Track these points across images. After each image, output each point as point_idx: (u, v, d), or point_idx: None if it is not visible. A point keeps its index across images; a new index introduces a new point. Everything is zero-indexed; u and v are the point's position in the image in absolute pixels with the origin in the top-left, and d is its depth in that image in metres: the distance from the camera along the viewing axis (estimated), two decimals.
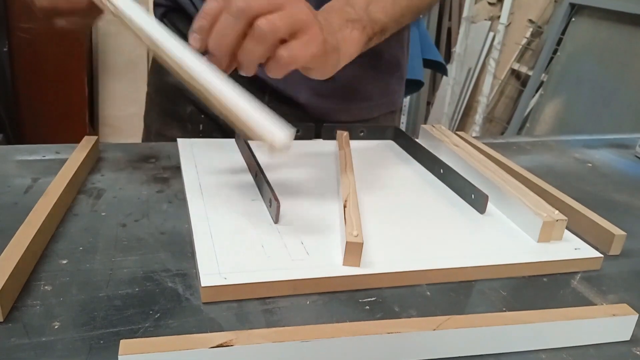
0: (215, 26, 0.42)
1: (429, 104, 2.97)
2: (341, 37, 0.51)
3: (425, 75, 1.79)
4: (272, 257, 0.39)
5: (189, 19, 0.69)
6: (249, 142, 0.55)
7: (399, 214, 0.48)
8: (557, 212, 0.46)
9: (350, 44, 0.53)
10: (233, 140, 0.62)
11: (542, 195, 0.50)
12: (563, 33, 2.22)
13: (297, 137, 0.64)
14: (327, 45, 0.47)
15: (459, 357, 0.33)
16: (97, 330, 0.32)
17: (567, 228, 0.46)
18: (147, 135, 0.80)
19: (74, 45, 2.09)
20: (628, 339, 0.36)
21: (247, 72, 0.46)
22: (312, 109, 0.71)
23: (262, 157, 0.52)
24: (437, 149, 0.62)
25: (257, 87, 0.72)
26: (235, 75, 0.69)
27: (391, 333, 0.31)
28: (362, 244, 0.38)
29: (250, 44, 0.43)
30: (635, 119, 1.89)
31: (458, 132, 0.66)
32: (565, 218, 0.45)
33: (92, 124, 2.34)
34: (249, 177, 0.52)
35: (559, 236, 0.45)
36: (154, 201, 0.48)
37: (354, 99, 0.71)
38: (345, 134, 0.61)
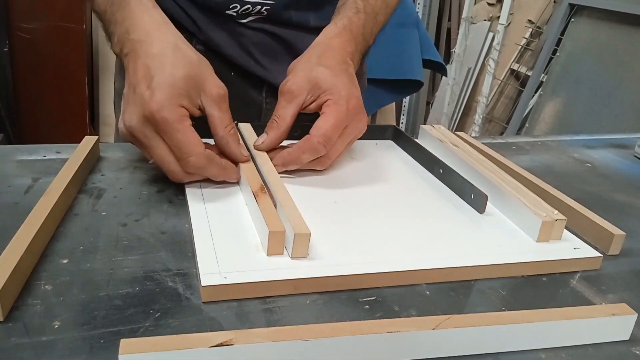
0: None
1: (429, 104, 2.97)
2: (355, 89, 0.54)
3: (424, 75, 1.79)
4: (272, 256, 0.39)
5: (173, 22, 0.68)
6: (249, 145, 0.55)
7: (398, 214, 0.48)
8: (556, 212, 0.46)
9: (354, 79, 0.56)
10: None
11: (541, 195, 0.50)
12: (562, 33, 2.22)
13: (294, 137, 0.64)
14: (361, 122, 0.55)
15: (459, 356, 0.33)
16: (98, 329, 0.32)
17: (566, 228, 0.46)
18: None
19: (74, 45, 2.09)
20: (627, 338, 0.36)
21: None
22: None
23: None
24: (437, 149, 0.62)
25: (254, 83, 0.72)
26: (233, 73, 0.69)
27: (391, 332, 0.31)
28: (284, 232, 0.39)
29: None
30: (635, 119, 1.89)
31: (457, 132, 0.67)
32: (564, 218, 0.45)
33: (92, 124, 2.34)
34: None
35: (558, 236, 0.46)
36: (155, 201, 0.48)
37: None
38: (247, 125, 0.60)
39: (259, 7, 0.65)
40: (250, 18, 0.66)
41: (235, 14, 0.65)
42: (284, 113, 0.53)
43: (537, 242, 0.45)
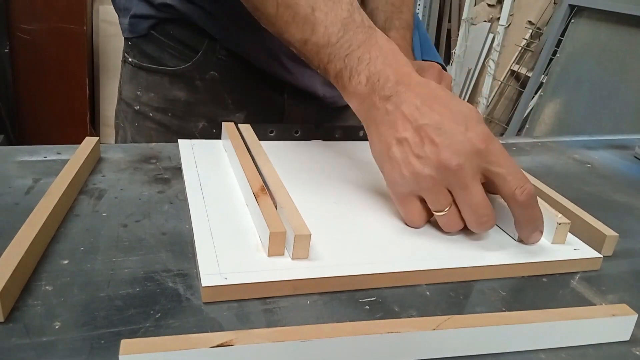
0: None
1: None
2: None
3: None
4: (273, 257, 0.39)
5: (189, 28, 0.67)
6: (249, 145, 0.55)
7: (398, 214, 0.48)
8: (560, 215, 0.46)
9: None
10: None
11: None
12: (562, 34, 2.22)
13: (296, 138, 0.64)
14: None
15: (459, 357, 0.33)
16: (98, 330, 0.32)
17: None
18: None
19: (74, 46, 2.09)
20: (627, 339, 0.36)
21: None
22: (328, 99, 0.72)
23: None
24: None
25: (276, 85, 0.72)
26: (253, 74, 0.69)
27: (391, 333, 0.31)
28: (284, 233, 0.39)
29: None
30: (635, 120, 1.90)
31: None
32: (568, 222, 0.45)
33: (93, 125, 2.35)
34: None
35: (561, 240, 0.45)
36: (155, 202, 0.48)
37: None
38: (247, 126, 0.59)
39: None
40: None
41: None
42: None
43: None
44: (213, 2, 0.66)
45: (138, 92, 0.73)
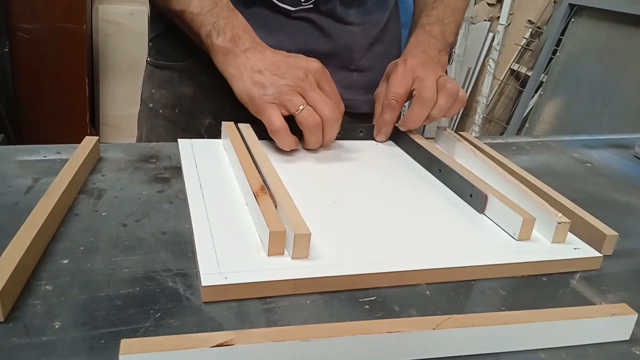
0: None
1: None
2: (443, 64, 0.68)
3: None
4: (273, 256, 0.39)
5: (178, 41, 0.70)
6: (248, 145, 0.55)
7: (398, 214, 0.48)
8: (560, 214, 0.46)
9: (444, 68, 0.68)
10: None
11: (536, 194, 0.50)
12: (562, 34, 2.22)
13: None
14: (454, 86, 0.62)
15: (459, 356, 0.33)
16: (98, 329, 0.32)
17: None
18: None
19: (74, 45, 2.09)
20: (627, 338, 0.36)
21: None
22: (343, 101, 0.72)
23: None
24: (452, 151, 0.62)
25: None
26: None
27: (391, 332, 0.31)
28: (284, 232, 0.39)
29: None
30: (635, 119, 1.90)
31: (460, 133, 0.66)
32: (568, 221, 0.45)
33: (92, 124, 2.35)
34: None
35: (561, 239, 0.45)
36: (155, 201, 0.48)
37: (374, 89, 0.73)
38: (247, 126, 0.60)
39: None
40: (299, 7, 0.69)
41: (289, 6, 0.68)
42: (401, 92, 0.64)
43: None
44: None
45: (152, 91, 0.75)
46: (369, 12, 0.73)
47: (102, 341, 0.31)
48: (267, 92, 0.56)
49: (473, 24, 2.75)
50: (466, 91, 2.78)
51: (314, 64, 0.59)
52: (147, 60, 0.77)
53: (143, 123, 0.78)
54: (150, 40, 0.77)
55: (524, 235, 0.45)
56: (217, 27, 0.60)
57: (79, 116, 2.17)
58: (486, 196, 0.49)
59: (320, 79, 0.58)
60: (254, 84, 0.57)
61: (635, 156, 0.75)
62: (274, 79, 0.57)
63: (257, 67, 0.58)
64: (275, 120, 0.56)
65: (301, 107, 0.56)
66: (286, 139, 0.57)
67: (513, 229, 0.46)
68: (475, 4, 2.78)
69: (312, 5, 0.68)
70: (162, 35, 0.74)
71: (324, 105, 0.56)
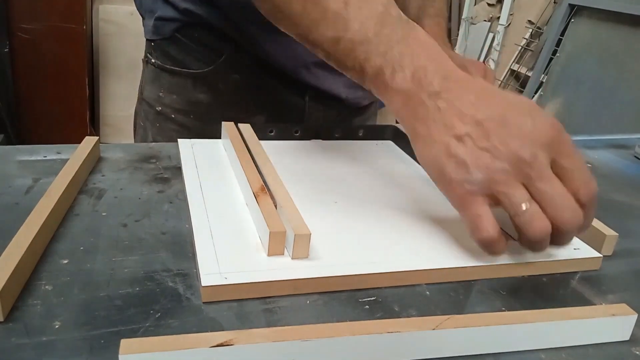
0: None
1: None
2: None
3: None
4: (273, 257, 0.39)
5: (213, 32, 0.68)
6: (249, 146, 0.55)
7: (398, 214, 0.48)
8: None
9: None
10: None
11: None
12: (562, 34, 2.22)
13: (296, 137, 0.64)
14: None
15: (459, 356, 0.33)
16: (98, 329, 0.32)
17: None
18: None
19: (74, 45, 2.09)
20: (627, 338, 0.36)
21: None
22: (349, 100, 0.72)
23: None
24: None
25: (298, 88, 0.73)
26: (275, 78, 0.70)
27: (391, 332, 0.31)
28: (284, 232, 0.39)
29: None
30: (635, 119, 1.90)
31: None
32: None
33: (92, 124, 2.35)
34: None
35: None
36: (155, 201, 0.48)
37: None
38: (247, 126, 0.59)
39: None
40: None
41: None
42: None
43: None
44: (237, 10, 0.65)
45: (160, 94, 0.73)
46: None
47: (102, 341, 0.31)
48: (471, 177, 0.38)
49: (473, 24, 2.75)
50: None
51: (546, 128, 0.38)
52: (147, 60, 0.75)
53: (148, 124, 0.76)
54: (151, 41, 0.74)
55: None
56: (390, 60, 0.42)
57: (79, 116, 2.18)
58: None
59: (557, 152, 0.38)
60: (449, 157, 0.39)
61: (635, 156, 0.75)
62: (484, 159, 0.37)
63: (456, 130, 0.39)
64: (486, 226, 0.38)
65: (524, 207, 0.37)
66: (500, 248, 0.40)
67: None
68: (475, 4, 2.78)
69: None
70: (169, 39, 0.71)
71: (559, 205, 0.37)
